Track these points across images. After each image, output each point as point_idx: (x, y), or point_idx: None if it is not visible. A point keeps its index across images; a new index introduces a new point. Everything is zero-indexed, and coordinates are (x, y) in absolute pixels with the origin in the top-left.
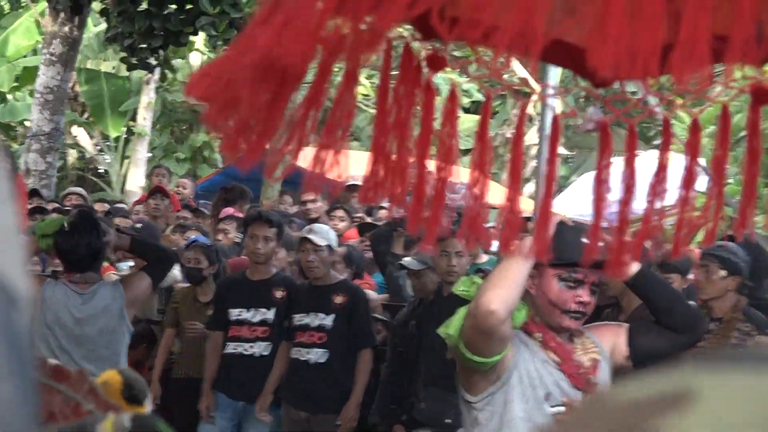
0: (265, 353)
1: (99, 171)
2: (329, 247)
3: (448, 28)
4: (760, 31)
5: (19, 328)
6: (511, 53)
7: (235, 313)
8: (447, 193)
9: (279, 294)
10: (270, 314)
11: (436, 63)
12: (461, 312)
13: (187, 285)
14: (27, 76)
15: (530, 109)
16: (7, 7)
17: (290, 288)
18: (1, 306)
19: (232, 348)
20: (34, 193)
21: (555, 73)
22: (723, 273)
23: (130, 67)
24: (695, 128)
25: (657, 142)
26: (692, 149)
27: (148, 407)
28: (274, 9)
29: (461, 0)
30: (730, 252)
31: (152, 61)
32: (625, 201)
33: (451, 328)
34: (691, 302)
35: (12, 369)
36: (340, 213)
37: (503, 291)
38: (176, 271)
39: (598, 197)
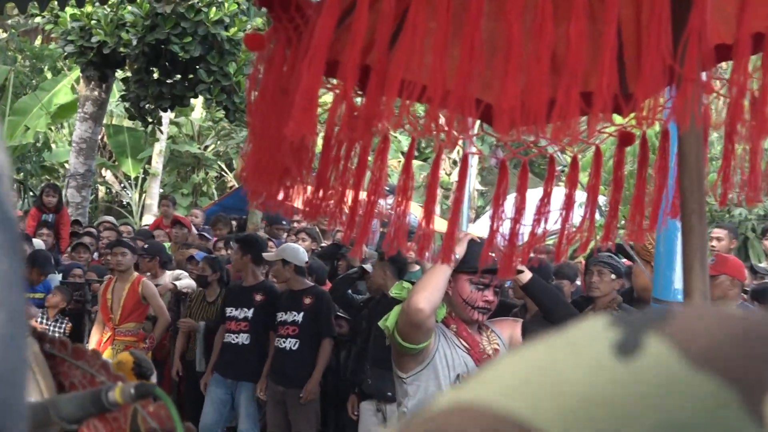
0: (246, 342)
1: (123, 203)
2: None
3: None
4: (624, 89)
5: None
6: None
7: (228, 311)
8: (374, 215)
9: (258, 297)
10: (249, 312)
11: (370, 114)
12: (396, 309)
13: (199, 289)
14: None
15: (454, 155)
16: (49, 74)
17: (268, 293)
18: None
19: (225, 338)
20: (75, 222)
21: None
22: (613, 276)
23: (131, 118)
24: (574, 164)
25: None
26: (571, 180)
27: (152, 380)
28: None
29: (399, 64)
30: (616, 260)
31: (148, 118)
32: (515, 220)
33: (389, 321)
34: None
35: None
36: (303, 235)
37: (428, 293)
38: (190, 280)
39: (494, 216)
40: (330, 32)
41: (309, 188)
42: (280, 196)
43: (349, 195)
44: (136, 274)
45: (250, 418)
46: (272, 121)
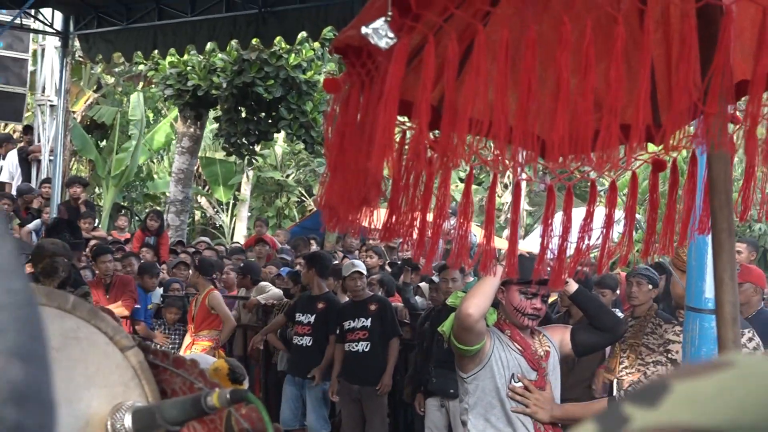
0: (309, 344)
1: (216, 225)
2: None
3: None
4: (657, 120)
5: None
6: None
7: (296, 317)
8: (441, 236)
9: (320, 305)
10: (312, 318)
11: (438, 146)
12: (451, 316)
13: (284, 300)
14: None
15: (505, 179)
16: (151, 116)
17: (329, 302)
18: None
19: (293, 340)
20: (179, 242)
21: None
22: (650, 287)
23: (228, 154)
24: (613, 187)
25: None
26: (611, 202)
27: (245, 386)
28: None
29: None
30: (652, 272)
31: (243, 151)
32: (562, 237)
33: (445, 326)
34: (616, 309)
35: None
36: (371, 253)
37: (477, 300)
38: (275, 290)
39: (544, 234)
40: (401, 76)
41: (383, 212)
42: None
43: (418, 218)
44: (209, 287)
45: (316, 412)
46: (351, 156)
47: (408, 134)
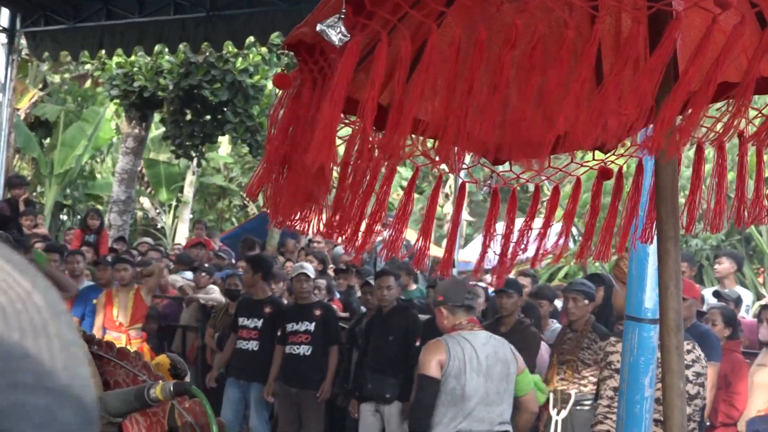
0: (255, 348)
1: (158, 227)
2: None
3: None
4: (604, 127)
5: None
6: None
7: (240, 321)
8: (374, 231)
9: (267, 310)
10: (259, 323)
11: (385, 147)
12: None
13: (225, 302)
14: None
15: (448, 189)
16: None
17: (276, 306)
18: (82, 422)
19: (237, 344)
20: (120, 239)
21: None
22: (586, 301)
23: (177, 157)
24: (555, 192)
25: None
26: (551, 204)
27: (187, 380)
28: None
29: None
30: (588, 287)
31: (192, 153)
32: (506, 238)
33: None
34: (554, 320)
35: None
36: (311, 257)
37: None
38: (219, 294)
39: (486, 234)
40: (350, 73)
41: (325, 212)
42: (299, 218)
43: (356, 215)
44: (136, 285)
45: (259, 415)
46: (297, 152)
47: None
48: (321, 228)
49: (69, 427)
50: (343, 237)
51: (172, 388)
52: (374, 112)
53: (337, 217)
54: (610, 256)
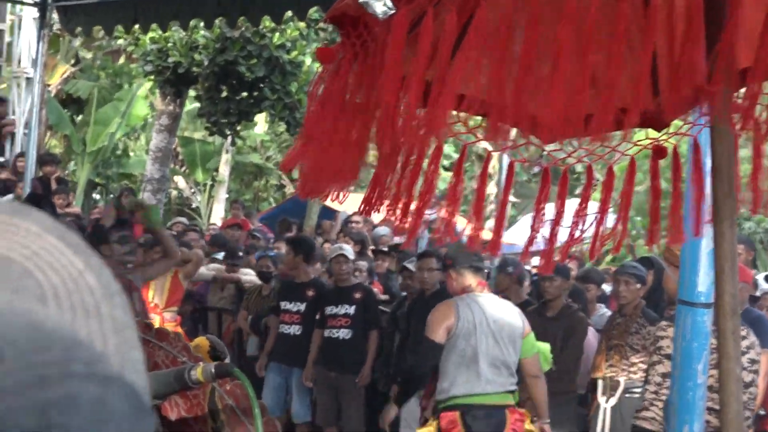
0: (298, 333)
1: (192, 206)
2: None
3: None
4: (657, 104)
5: None
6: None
7: (282, 305)
8: (425, 213)
9: (310, 293)
10: (302, 306)
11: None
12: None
13: (258, 283)
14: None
15: (491, 169)
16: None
17: (319, 289)
18: (136, 410)
19: (279, 329)
20: None
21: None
22: (638, 285)
23: (211, 134)
24: (610, 173)
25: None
26: (607, 187)
27: (227, 362)
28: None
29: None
30: (640, 270)
31: (226, 131)
32: (556, 221)
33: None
34: (602, 305)
35: None
36: (347, 239)
37: None
38: (254, 276)
39: (536, 217)
40: (401, 48)
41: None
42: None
43: (404, 194)
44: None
45: (301, 400)
46: (335, 125)
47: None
48: (360, 206)
49: (122, 417)
50: (392, 216)
51: (213, 370)
52: (421, 87)
53: (376, 194)
54: (683, 239)
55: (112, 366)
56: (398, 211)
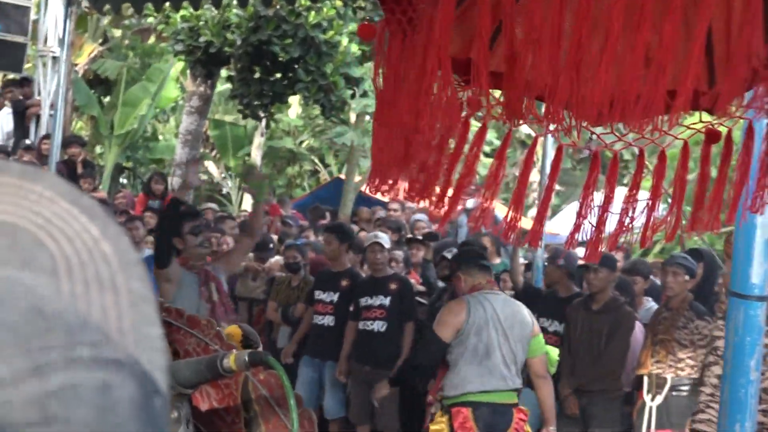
0: (331, 324)
1: (222, 192)
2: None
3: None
4: (710, 86)
5: (161, 418)
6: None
7: (316, 294)
8: (461, 196)
9: (344, 283)
10: (335, 296)
11: (474, 104)
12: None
13: (286, 274)
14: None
15: (534, 156)
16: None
17: (354, 279)
18: (145, 393)
19: (313, 319)
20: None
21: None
22: (686, 277)
23: (244, 117)
24: (661, 158)
25: (626, 181)
26: (658, 173)
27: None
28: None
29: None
30: (690, 262)
31: (260, 113)
32: (604, 208)
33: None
34: (649, 298)
35: None
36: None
37: None
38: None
39: (583, 203)
40: (450, 24)
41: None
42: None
43: (442, 178)
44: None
45: (334, 395)
46: (392, 109)
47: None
48: (405, 192)
49: (129, 403)
50: (428, 201)
51: (247, 358)
52: (488, 66)
53: (422, 179)
54: (719, 227)
55: (123, 346)
56: (434, 195)
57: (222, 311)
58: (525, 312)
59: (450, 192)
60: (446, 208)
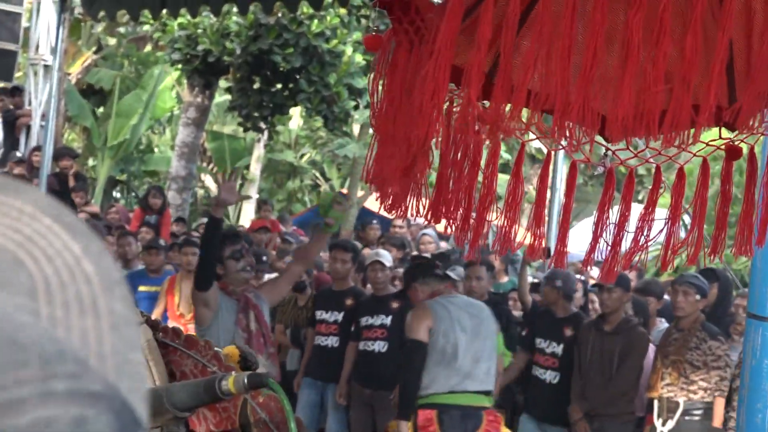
0: (334, 345)
1: None
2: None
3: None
4: (730, 101)
5: None
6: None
7: (318, 315)
8: (486, 219)
9: (348, 302)
10: (339, 316)
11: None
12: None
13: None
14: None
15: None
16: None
17: (357, 298)
18: (122, 426)
19: (315, 341)
20: (179, 219)
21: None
22: (697, 297)
23: (245, 130)
24: (680, 175)
25: (640, 197)
26: (677, 191)
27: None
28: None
29: (517, 71)
30: (701, 281)
31: (262, 125)
32: (620, 227)
33: None
34: (662, 319)
35: None
36: (388, 246)
37: None
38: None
39: (599, 222)
40: (454, 34)
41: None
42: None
43: (464, 199)
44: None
45: (336, 417)
46: (395, 122)
47: (456, 102)
48: (421, 211)
49: None
50: (452, 226)
51: (246, 381)
52: (482, 79)
53: (441, 199)
54: (752, 249)
55: (102, 375)
56: (458, 218)
57: (260, 343)
58: (487, 310)
59: (472, 213)
60: (474, 230)
